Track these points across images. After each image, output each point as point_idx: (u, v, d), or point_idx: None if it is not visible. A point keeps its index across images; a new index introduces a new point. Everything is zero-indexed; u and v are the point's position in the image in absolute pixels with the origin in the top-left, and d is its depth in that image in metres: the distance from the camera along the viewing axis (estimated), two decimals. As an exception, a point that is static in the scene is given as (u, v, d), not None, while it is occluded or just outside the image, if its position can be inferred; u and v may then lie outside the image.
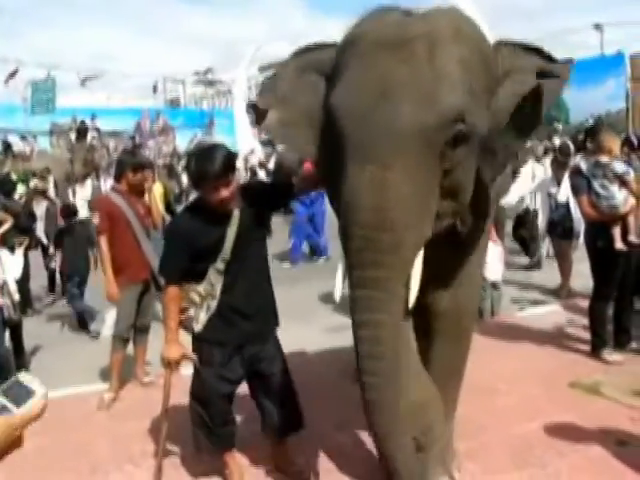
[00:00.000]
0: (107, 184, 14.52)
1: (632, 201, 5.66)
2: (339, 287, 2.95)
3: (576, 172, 5.87)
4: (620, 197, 5.57)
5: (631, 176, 5.68)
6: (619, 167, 5.61)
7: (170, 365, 3.66)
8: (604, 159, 5.61)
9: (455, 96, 2.75)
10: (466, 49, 2.87)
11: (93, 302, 8.04)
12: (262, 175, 19.22)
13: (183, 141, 30.47)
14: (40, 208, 9.95)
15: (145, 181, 5.87)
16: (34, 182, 12.43)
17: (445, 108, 2.73)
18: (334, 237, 3.72)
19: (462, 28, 2.95)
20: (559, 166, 8.52)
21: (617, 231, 5.60)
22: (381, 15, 2.99)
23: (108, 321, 5.76)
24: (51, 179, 17.03)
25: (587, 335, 6.01)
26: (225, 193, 3.48)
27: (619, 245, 5.58)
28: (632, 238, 5.64)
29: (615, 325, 5.95)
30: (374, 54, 2.79)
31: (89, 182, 15.04)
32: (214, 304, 3.62)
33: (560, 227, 8.22)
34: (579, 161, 6.00)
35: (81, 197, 14.11)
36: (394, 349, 2.82)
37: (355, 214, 2.72)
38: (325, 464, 4.13)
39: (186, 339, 3.75)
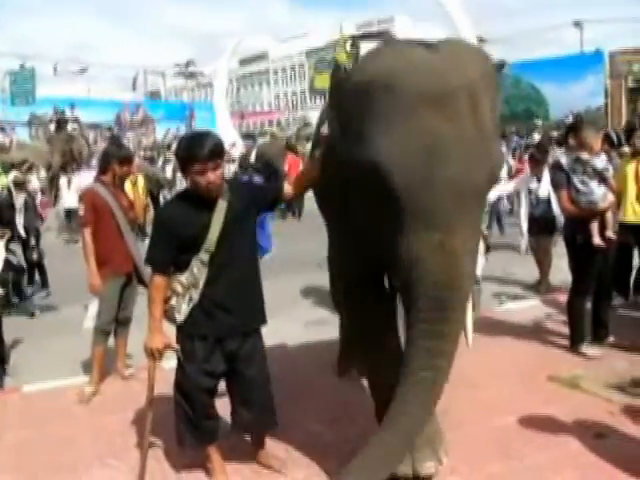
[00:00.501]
0: (82, 176, 14.27)
1: (611, 197, 5.73)
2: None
3: (556, 167, 5.92)
4: (599, 193, 5.63)
5: (610, 172, 5.75)
6: (599, 163, 5.67)
7: (154, 355, 3.65)
8: (585, 155, 5.66)
9: (496, 152, 2.95)
10: (493, 94, 3.00)
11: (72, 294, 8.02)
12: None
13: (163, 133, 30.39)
14: (19, 200, 9.85)
15: (130, 174, 5.86)
16: (13, 174, 12.29)
17: (492, 167, 2.94)
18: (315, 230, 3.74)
19: (486, 70, 3.02)
20: (537, 163, 8.57)
21: (595, 227, 5.67)
22: (406, 54, 2.96)
23: (90, 313, 5.73)
24: (39, 171, 16.95)
25: (566, 330, 6.08)
26: (212, 177, 3.48)
27: (597, 241, 5.64)
28: (610, 234, 5.71)
29: (593, 320, 6.01)
30: (420, 110, 2.79)
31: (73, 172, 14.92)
32: (196, 295, 3.61)
33: (542, 222, 8.26)
34: (559, 156, 6.07)
35: (75, 187, 13.95)
36: (443, 388, 3.12)
37: (427, 277, 2.84)
38: (307, 457, 4.15)
39: (169, 329, 3.74)
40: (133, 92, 37.67)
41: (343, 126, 3.12)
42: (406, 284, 2.92)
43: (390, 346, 3.75)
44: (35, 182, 15.61)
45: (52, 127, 24.73)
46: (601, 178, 5.63)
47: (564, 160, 5.83)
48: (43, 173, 17.93)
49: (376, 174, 2.82)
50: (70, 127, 23.85)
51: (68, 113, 25.88)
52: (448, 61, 2.91)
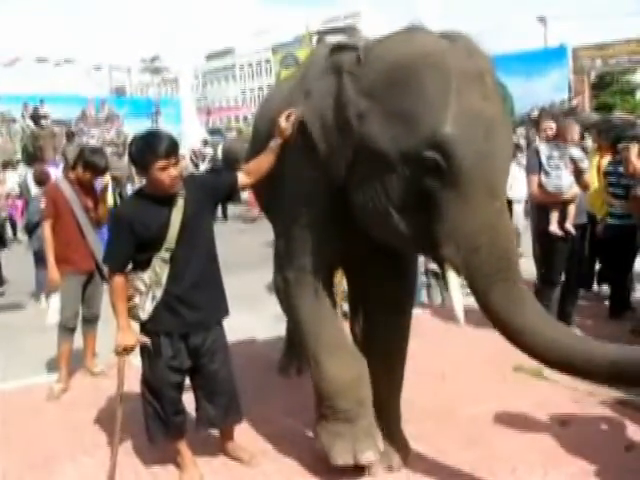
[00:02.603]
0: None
1: (576, 190, 5.82)
2: (459, 307, 2.99)
3: (533, 153, 6.07)
4: (567, 181, 5.75)
5: (586, 164, 5.86)
6: (577, 153, 5.82)
7: (125, 351, 3.66)
8: (563, 144, 5.83)
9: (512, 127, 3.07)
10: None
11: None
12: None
13: (129, 130, 30.05)
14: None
15: (92, 182, 5.70)
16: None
17: (513, 139, 3.06)
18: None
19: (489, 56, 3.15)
20: None
21: (555, 215, 5.80)
22: (433, 40, 3.04)
23: (52, 307, 5.70)
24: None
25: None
26: (174, 172, 3.50)
27: (553, 228, 5.80)
28: (569, 226, 5.80)
29: (559, 310, 6.11)
30: (466, 88, 2.87)
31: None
32: (159, 293, 3.62)
33: None
34: (538, 144, 6.25)
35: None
36: None
37: (497, 241, 2.95)
38: (275, 449, 4.19)
39: (135, 327, 3.75)
40: (98, 88, 37.22)
41: (375, 108, 3.03)
42: (470, 252, 2.93)
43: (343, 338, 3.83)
44: (13, 179, 15.38)
45: (29, 122, 24.29)
46: (576, 168, 5.75)
47: (542, 147, 5.97)
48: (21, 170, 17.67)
49: (442, 148, 2.82)
50: (45, 124, 23.58)
51: (39, 109, 25.47)
52: (466, 47, 3.01)
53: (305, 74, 3.68)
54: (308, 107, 3.36)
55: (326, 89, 3.25)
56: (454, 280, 3.02)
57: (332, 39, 3.68)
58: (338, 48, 3.27)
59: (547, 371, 5.11)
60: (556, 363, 3.05)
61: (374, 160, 3.04)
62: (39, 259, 8.64)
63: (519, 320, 2.99)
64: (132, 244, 3.57)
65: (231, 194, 4.03)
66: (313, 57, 3.80)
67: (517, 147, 9.13)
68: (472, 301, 3.14)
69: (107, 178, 6.05)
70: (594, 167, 6.91)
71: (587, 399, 4.67)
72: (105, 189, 5.94)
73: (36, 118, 22.88)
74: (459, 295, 3.02)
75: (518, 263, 3.04)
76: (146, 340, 3.67)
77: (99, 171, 5.62)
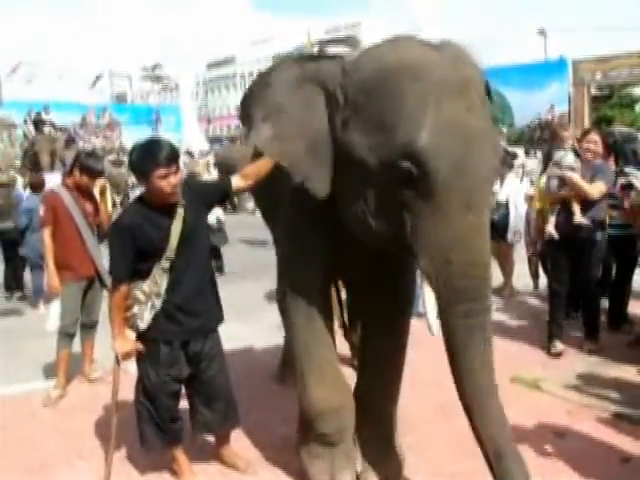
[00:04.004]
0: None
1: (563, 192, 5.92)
2: (434, 321, 2.96)
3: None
4: (553, 182, 6.00)
5: (567, 161, 5.88)
6: (557, 155, 6.02)
7: (123, 358, 3.66)
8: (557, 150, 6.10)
9: (499, 140, 3.02)
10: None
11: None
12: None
13: (129, 137, 30.13)
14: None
15: (90, 186, 5.71)
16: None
17: (499, 154, 3.14)
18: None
19: (479, 66, 3.13)
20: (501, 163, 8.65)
21: (552, 218, 5.99)
22: (419, 49, 3.02)
23: (51, 314, 5.70)
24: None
25: (528, 332, 6.21)
26: (174, 180, 3.51)
27: (550, 228, 5.96)
28: (579, 219, 5.82)
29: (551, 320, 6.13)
30: (447, 99, 2.83)
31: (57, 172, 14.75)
32: (159, 302, 3.62)
33: (500, 227, 8.03)
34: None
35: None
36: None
37: (467, 256, 2.87)
38: (272, 457, 4.19)
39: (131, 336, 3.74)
40: (91, 89, 37.20)
41: (357, 116, 3.04)
42: (441, 264, 2.89)
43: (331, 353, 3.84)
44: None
45: (31, 128, 24.37)
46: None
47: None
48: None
49: (416, 159, 2.80)
50: (46, 130, 23.65)
51: (43, 115, 25.54)
52: (454, 57, 2.99)
53: (269, 91, 3.47)
54: (287, 120, 3.30)
55: (306, 100, 3.25)
56: (429, 290, 3.00)
57: (333, 49, 3.67)
58: (313, 58, 3.31)
59: (543, 383, 5.15)
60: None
61: (354, 168, 3.05)
62: (32, 265, 8.70)
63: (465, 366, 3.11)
64: (132, 253, 3.57)
65: (224, 199, 4.06)
66: (274, 73, 3.52)
67: (514, 157, 9.05)
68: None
69: (102, 182, 6.08)
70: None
71: (583, 411, 4.69)
72: (102, 193, 5.96)
73: (38, 123, 22.94)
74: (433, 305, 3.00)
75: (490, 285, 2.99)
76: (142, 347, 3.66)
77: (95, 174, 5.64)
